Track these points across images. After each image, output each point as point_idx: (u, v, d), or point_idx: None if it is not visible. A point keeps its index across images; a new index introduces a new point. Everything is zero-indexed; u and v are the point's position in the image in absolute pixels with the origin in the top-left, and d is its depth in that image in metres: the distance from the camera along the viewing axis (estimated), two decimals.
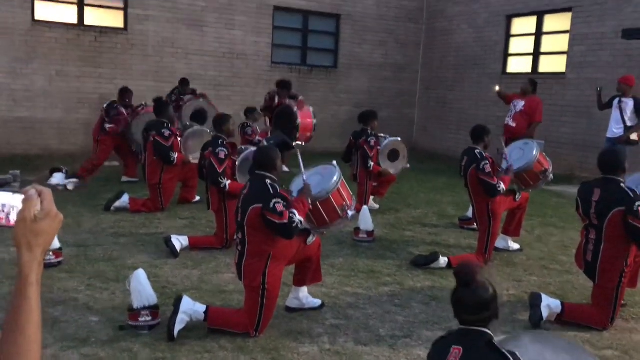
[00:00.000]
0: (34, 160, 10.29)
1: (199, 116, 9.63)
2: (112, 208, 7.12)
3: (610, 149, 4.69)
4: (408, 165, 8.00)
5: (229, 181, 5.69)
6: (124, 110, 8.84)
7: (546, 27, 12.11)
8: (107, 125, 8.66)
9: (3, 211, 1.24)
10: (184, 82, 10.70)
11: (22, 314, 1.20)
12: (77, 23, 11.45)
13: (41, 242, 1.23)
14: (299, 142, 9.48)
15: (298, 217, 3.73)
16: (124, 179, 9.09)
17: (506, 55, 12.94)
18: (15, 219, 1.23)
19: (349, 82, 14.18)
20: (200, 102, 10.04)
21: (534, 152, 6.03)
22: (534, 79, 10.05)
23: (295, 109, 9.55)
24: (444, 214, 7.87)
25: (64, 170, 8.92)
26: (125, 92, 9.08)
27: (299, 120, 9.44)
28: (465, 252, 6.04)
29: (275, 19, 13.20)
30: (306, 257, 4.23)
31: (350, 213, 4.41)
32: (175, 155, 7.16)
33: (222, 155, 5.66)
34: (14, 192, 1.25)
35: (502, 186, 5.45)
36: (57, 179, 8.67)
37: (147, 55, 11.95)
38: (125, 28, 11.79)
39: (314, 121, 9.81)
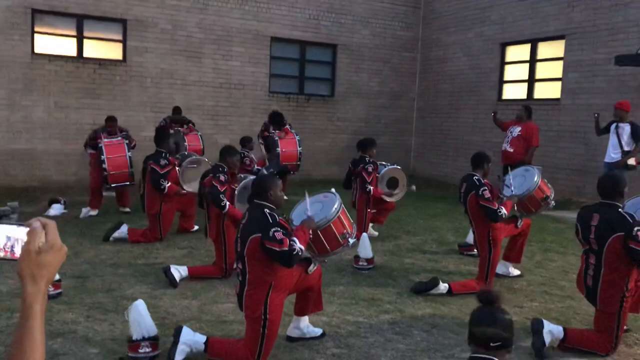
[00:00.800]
0: (33, 192, 10.30)
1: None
2: (110, 238, 7.11)
3: (609, 174, 4.71)
4: (414, 187, 7.99)
5: (229, 204, 5.71)
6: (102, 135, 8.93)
7: (540, 55, 12.27)
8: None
9: (7, 244, 1.24)
10: (176, 110, 10.72)
11: (27, 346, 1.20)
12: (76, 55, 11.57)
13: (45, 274, 1.23)
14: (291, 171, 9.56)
15: (299, 245, 3.72)
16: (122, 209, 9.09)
17: (501, 82, 13.08)
18: (19, 251, 1.23)
19: (346, 110, 14.29)
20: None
21: (535, 179, 6.04)
22: (529, 105, 10.17)
23: (276, 138, 9.64)
24: (444, 241, 7.86)
25: (62, 201, 8.93)
26: (110, 120, 9.21)
27: (278, 149, 9.53)
28: (466, 278, 6.02)
29: (273, 49, 13.36)
30: (307, 287, 4.21)
31: (351, 241, 4.41)
32: (167, 184, 7.14)
33: (222, 178, 5.71)
34: (18, 224, 1.26)
35: (504, 211, 5.46)
36: (56, 209, 8.67)
37: (145, 86, 12.05)
38: (124, 60, 11.91)
39: (299, 149, 9.86)
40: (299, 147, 9.93)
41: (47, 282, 1.24)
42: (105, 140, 8.75)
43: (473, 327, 2.43)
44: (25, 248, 1.22)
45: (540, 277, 6.25)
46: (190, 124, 10.45)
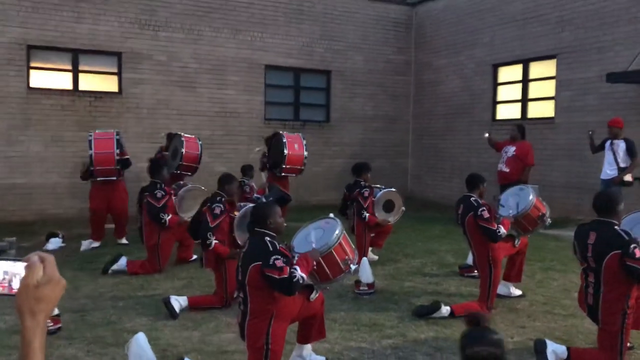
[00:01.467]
0: (30, 226, 10.26)
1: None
2: (109, 271, 7.07)
3: (605, 191, 4.72)
4: (403, 208, 7.97)
5: (216, 241, 5.66)
6: None
7: (532, 74, 12.40)
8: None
9: (5, 279, 1.25)
10: (169, 136, 10.68)
11: None
12: (72, 89, 11.65)
13: (44, 308, 1.23)
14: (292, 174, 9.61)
15: (299, 273, 3.71)
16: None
17: (495, 102, 13.19)
18: (17, 286, 1.23)
19: (342, 135, 14.36)
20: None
21: (530, 197, 6.07)
22: (522, 124, 10.24)
23: (284, 140, 9.66)
24: (444, 263, 7.83)
25: (60, 235, 8.90)
26: None
27: (287, 151, 9.53)
28: (467, 300, 5.99)
29: (267, 77, 13.48)
30: (310, 314, 4.19)
31: (353, 267, 4.40)
32: (167, 217, 7.12)
33: (217, 211, 5.69)
34: (16, 260, 1.26)
35: (503, 230, 5.47)
36: (54, 244, 8.64)
37: (141, 117, 12.12)
38: (120, 92, 11.99)
39: (305, 153, 9.94)
40: (305, 150, 9.96)
41: (46, 317, 1.24)
42: (98, 131, 8.86)
43: (465, 350, 2.44)
44: (24, 282, 1.22)
45: (542, 297, 6.23)
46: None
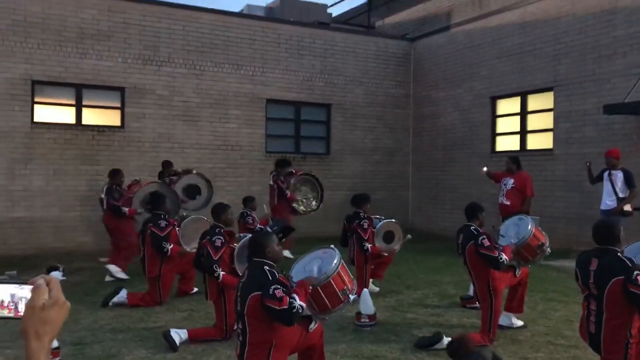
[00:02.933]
0: (31, 260, 10.25)
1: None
2: (110, 304, 7.04)
3: (603, 220, 4.73)
4: (409, 236, 7.98)
5: (223, 272, 5.67)
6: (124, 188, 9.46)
7: (530, 106, 12.53)
8: (124, 209, 8.98)
9: (11, 302, 1.27)
10: (166, 164, 10.81)
11: None
12: (75, 123, 11.78)
13: (49, 330, 1.25)
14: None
15: (299, 302, 3.71)
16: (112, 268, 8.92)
17: (494, 134, 13.29)
18: (23, 309, 1.26)
19: (342, 167, 14.45)
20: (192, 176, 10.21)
21: (529, 227, 6.09)
22: (516, 156, 10.29)
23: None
24: (445, 294, 7.80)
25: (60, 269, 8.89)
26: (117, 174, 9.44)
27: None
28: (469, 331, 5.95)
29: (268, 110, 13.63)
30: (309, 345, 4.17)
31: (352, 297, 4.39)
32: (170, 247, 7.15)
33: (218, 243, 5.69)
34: (22, 283, 1.29)
35: (505, 257, 5.46)
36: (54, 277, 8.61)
37: (143, 150, 12.22)
38: (122, 126, 12.13)
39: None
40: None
41: (51, 339, 1.26)
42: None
43: None
44: (30, 304, 1.24)
45: (544, 327, 6.19)
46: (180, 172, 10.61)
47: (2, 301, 1.27)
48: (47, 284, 1.27)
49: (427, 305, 7.22)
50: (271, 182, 10.91)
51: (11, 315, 1.27)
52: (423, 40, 15.30)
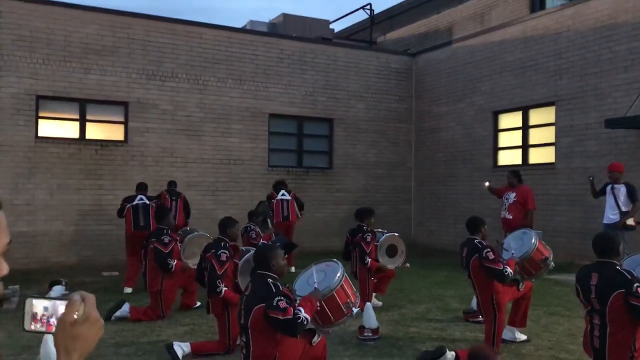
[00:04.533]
0: (34, 274, 10.24)
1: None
2: (112, 318, 7.03)
3: (602, 233, 4.74)
4: (408, 265, 7.99)
5: (226, 288, 5.66)
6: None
7: (532, 121, 12.57)
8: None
9: (45, 315, 1.27)
10: (171, 184, 10.89)
11: None
12: (78, 137, 11.84)
13: (78, 347, 1.23)
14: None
15: (303, 314, 3.71)
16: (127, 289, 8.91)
17: (496, 149, 13.32)
18: (55, 324, 1.25)
19: (345, 181, 14.47)
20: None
21: (533, 240, 6.09)
22: (517, 170, 10.30)
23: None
24: (448, 308, 7.77)
25: (63, 283, 8.88)
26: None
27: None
28: (472, 345, 5.92)
29: (271, 125, 13.69)
30: (312, 358, 4.16)
31: (355, 310, 4.39)
32: (174, 263, 7.15)
33: (223, 258, 5.69)
34: (60, 299, 1.28)
35: (509, 270, 5.45)
36: (57, 291, 8.60)
37: (146, 165, 12.26)
38: (126, 140, 12.18)
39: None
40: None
41: (81, 356, 1.23)
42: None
43: None
44: (61, 319, 1.23)
45: (548, 342, 6.16)
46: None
47: (36, 314, 1.27)
48: (83, 300, 1.26)
49: (430, 320, 7.19)
50: (287, 197, 10.98)
51: (43, 329, 1.26)
52: (425, 55, 15.40)
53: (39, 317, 1.26)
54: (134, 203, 9.58)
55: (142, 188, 9.78)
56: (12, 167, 11.11)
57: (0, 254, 1.12)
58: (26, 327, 1.27)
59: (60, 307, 1.25)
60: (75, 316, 1.23)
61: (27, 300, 1.28)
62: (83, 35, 11.76)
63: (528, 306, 6.24)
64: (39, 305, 1.27)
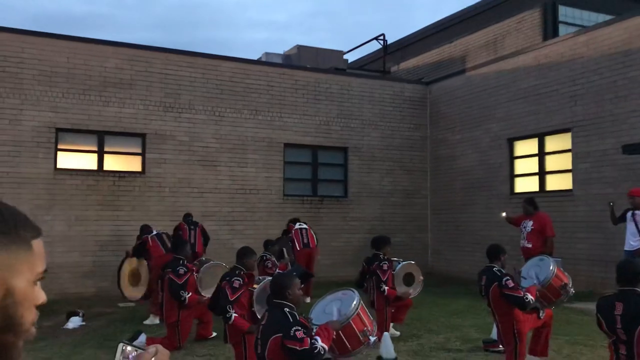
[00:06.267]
0: (51, 305, 10.24)
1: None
2: None
3: (626, 261, 4.67)
4: (421, 278, 7.93)
5: (236, 315, 5.64)
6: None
7: (548, 147, 12.51)
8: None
9: None
10: (187, 216, 11.04)
11: None
12: (97, 169, 11.99)
13: None
14: None
15: (321, 344, 3.68)
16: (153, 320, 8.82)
17: (512, 176, 13.25)
18: None
19: (360, 210, 14.44)
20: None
21: (551, 267, 6.01)
22: (531, 197, 10.15)
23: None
24: (467, 338, 7.65)
25: (80, 314, 8.91)
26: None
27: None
28: None
29: (286, 154, 13.77)
30: None
31: (372, 339, 4.34)
32: (187, 295, 7.12)
33: (236, 285, 5.69)
34: (140, 349, 1.29)
35: (530, 297, 5.38)
36: (74, 322, 8.63)
37: (163, 195, 12.36)
38: (143, 171, 12.31)
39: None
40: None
41: None
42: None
43: None
44: None
45: None
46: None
47: None
48: (155, 354, 1.27)
49: (449, 350, 7.08)
50: (305, 226, 11.13)
51: None
52: (439, 83, 15.47)
53: None
54: (153, 232, 9.70)
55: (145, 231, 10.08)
56: (31, 199, 11.25)
57: (37, 281, 1.14)
58: None
59: (133, 356, 1.27)
60: None
61: (119, 346, 1.30)
62: (102, 69, 12.00)
63: (549, 334, 6.13)
64: (118, 352, 1.28)
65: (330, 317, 4.27)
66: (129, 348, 1.29)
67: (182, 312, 7.18)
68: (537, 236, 9.38)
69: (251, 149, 13.31)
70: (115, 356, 1.29)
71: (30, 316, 1.10)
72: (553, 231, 9.52)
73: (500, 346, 6.07)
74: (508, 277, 5.47)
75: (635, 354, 4.00)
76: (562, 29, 14.83)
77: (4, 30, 11.42)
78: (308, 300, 9.52)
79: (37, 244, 1.14)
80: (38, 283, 1.14)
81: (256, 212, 13.24)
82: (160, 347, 1.28)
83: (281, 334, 3.69)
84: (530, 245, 9.33)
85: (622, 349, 4.09)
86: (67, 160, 11.83)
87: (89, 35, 12.38)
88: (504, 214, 10.13)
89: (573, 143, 11.72)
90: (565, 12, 15.22)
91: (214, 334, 7.69)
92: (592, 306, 8.91)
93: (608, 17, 12.21)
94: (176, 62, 12.72)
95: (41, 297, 1.15)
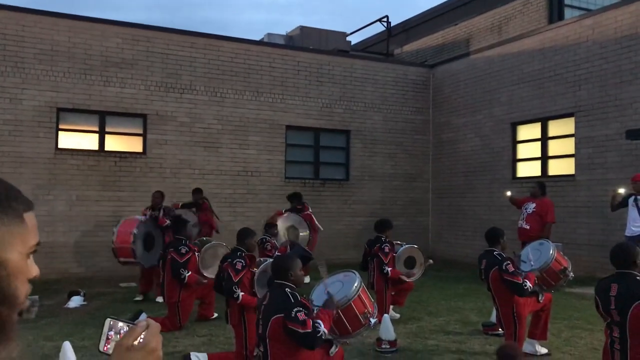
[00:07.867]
0: (53, 285, 10.31)
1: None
2: None
3: (620, 244, 4.64)
4: (431, 261, 7.98)
5: (243, 293, 5.66)
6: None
7: (551, 132, 12.45)
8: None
9: (112, 337, 1.24)
10: (196, 191, 10.96)
11: None
12: (98, 149, 11.97)
13: None
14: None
15: (323, 328, 3.68)
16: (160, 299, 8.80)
17: (514, 160, 13.21)
18: (112, 347, 1.23)
19: (362, 193, 14.43)
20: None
21: (551, 251, 6.01)
22: (543, 182, 10.20)
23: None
24: (467, 321, 7.68)
25: (82, 293, 8.95)
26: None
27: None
28: (492, 358, 5.84)
29: (288, 137, 13.72)
30: None
31: (372, 320, 4.35)
32: (187, 274, 7.16)
33: (239, 266, 5.70)
34: (131, 323, 1.25)
35: (529, 284, 5.39)
36: (75, 302, 8.67)
37: (164, 177, 12.34)
38: (144, 152, 12.28)
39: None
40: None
41: None
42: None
43: None
44: (119, 342, 1.21)
45: (569, 355, 6.05)
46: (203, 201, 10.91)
47: (110, 335, 1.25)
48: (147, 327, 1.23)
49: (449, 332, 7.11)
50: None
51: (101, 349, 1.25)
52: (442, 66, 15.37)
53: (110, 339, 1.24)
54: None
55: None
56: (32, 178, 11.25)
57: (29, 255, 1.12)
58: (100, 348, 1.25)
59: (124, 331, 1.23)
60: (135, 342, 1.20)
61: (106, 321, 1.26)
62: (103, 49, 11.92)
63: (548, 318, 6.14)
64: (106, 327, 1.25)
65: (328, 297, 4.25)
66: (120, 323, 1.26)
67: (183, 292, 7.21)
68: (536, 219, 9.40)
69: (253, 130, 13.27)
70: (102, 331, 1.26)
71: (23, 289, 1.08)
72: (554, 218, 9.52)
73: (500, 329, 6.09)
74: (508, 262, 5.47)
75: (627, 336, 4.01)
76: (568, 12, 14.69)
77: (4, 8, 11.32)
78: (307, 281, 9.55)
79: (30, 216, 1.12)
80: (31, 256, 1.12)
81: (257, 194, 13.23)
82: (151, 321, 1.25)
83: (283, 315, 3.70)
84: (527, 227, 9.34)
85: (616, 331, 4.10)
86: (68, 140, 11.80)
87: (88, 15, 12.26)
88: (508, 193, 10.13)
89: (576, 128, 11.67)
90: None
91: (215, 314, 7.72)
92: (591, 291, 8.90)
93: (614, 1, 12.07)
94: (178, 42, 12.62)
95: (34, 270, 1.14)
